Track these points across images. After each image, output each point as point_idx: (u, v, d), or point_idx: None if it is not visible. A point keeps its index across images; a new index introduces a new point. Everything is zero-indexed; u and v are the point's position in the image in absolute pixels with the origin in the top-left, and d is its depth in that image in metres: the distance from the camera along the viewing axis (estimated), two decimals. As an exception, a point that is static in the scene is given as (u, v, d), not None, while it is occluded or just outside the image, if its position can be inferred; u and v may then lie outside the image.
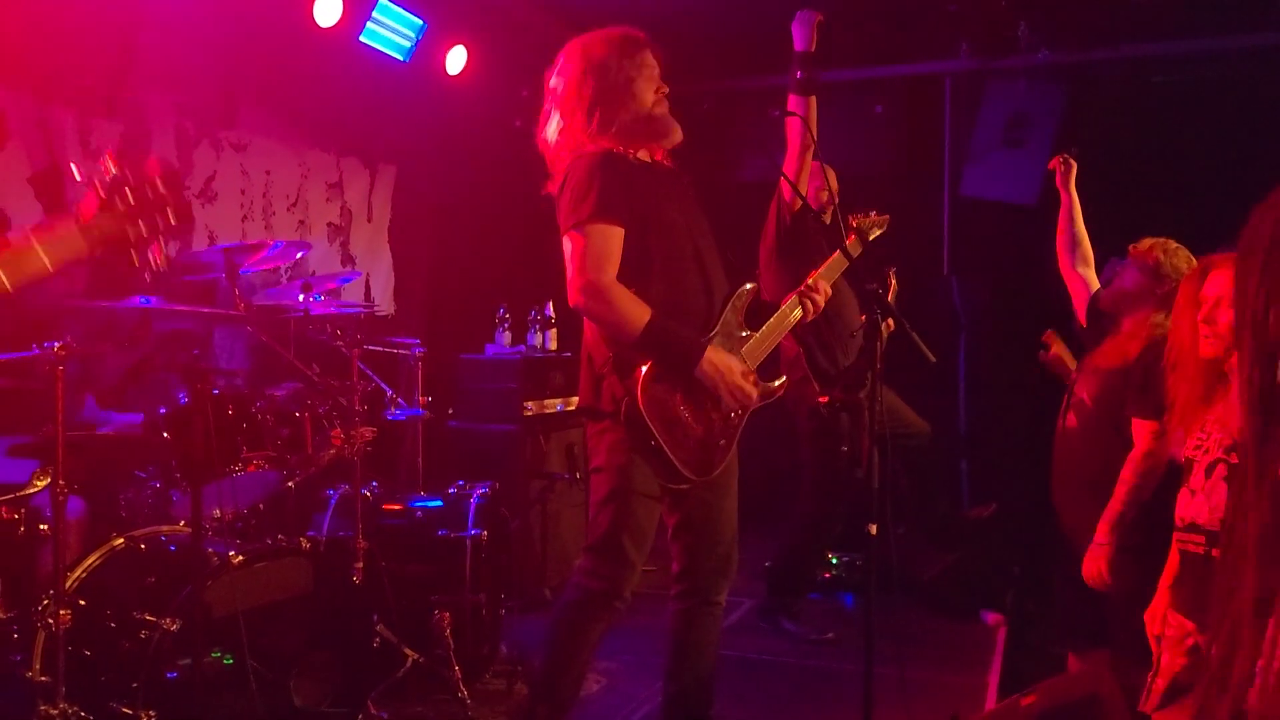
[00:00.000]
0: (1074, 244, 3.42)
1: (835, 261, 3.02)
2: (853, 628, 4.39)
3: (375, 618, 3.22)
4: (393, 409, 4.04)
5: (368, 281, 5.51)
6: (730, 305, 2.73)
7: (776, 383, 2.77)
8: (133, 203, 1.52)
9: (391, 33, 4.83)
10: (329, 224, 5.26)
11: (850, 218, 3.04)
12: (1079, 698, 2.62)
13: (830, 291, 2.87)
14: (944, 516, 4.89)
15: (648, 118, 2.66)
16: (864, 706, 2.60)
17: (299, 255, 3.63)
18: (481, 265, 5.86)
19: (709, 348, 2.59)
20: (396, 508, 3.79)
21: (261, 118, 4.78)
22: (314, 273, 4.88)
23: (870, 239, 3.11)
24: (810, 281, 2.83)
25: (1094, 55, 5.43)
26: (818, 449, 4.29)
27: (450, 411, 4.75)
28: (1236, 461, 2.10)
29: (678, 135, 2.72)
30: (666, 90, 2.69)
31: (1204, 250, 2.47)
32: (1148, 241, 3.06)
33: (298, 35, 4.47)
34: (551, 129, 2.69)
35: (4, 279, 1.42)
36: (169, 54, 4.23)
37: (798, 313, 2.81)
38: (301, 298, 3.45)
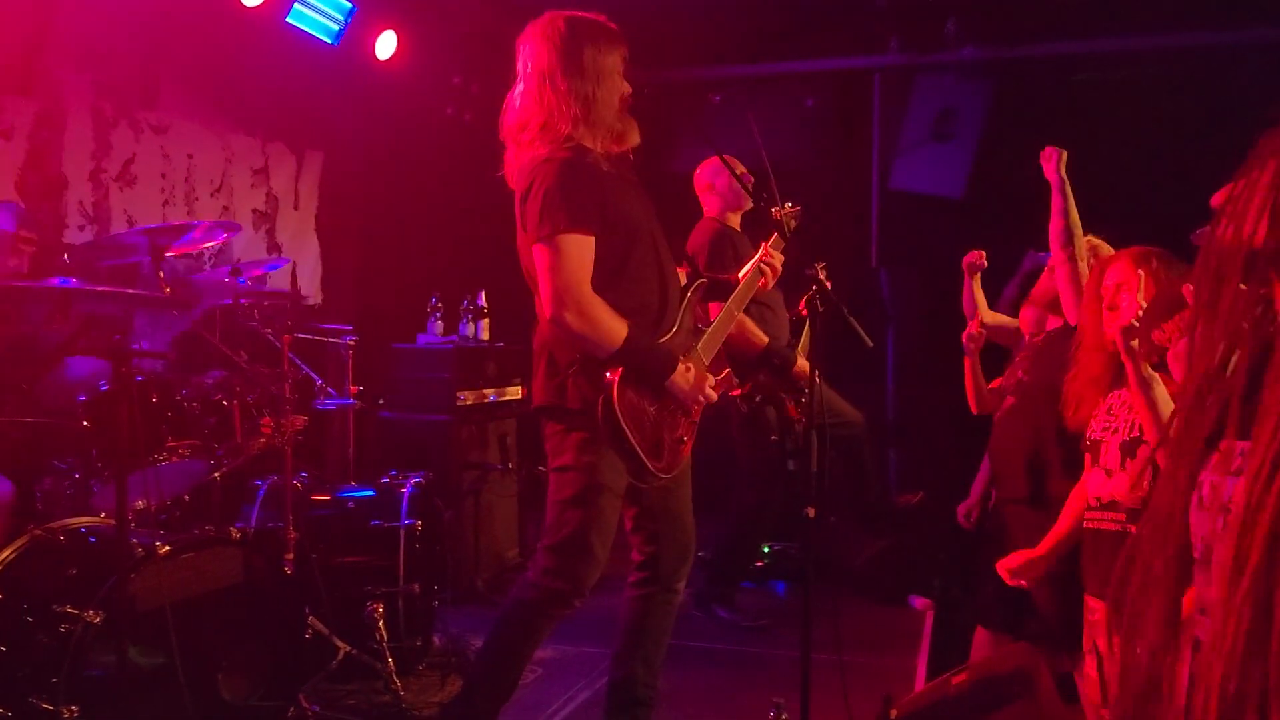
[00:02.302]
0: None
1: (775, 242, 3.06)
2: (784, 614, 4.44)
3: (306, 609, 3.15)
4: (322, 398, 3.97)
5: (294, 270, 5.39)
6: (686, 301, 2.76)
7: (722, 375, 2.81)
8: None
9: (319, 14, 4.73)
10: (254, 210, 5.13)
11: (773, 211, 3.09)
12: (1007, 674, 2.69)
13: (783, 257, 2.95)
14: (874, 503, 4.97)
15: (618, 116, 2.63)
16: (803, 689, 2.63)
17: (225, 238, 3.53)
18: (412, 254, 5.79)
19: (679, 361, 2.63)
20: (326, 498, 3.71)
21: (183, 99, 4.63)
22: (239, 260, 4.76)
23: (790, 230, 3.17)
24: (767, 248, 2.93)
25: (1019, 52, 5.57)
26: (748, 441, 4.33)
27: (381, 401, 4.68)
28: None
29: (637, 136, 2.70)
30: (629, 90, 2.66)
31: (1123, 243, 2.60)
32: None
33: (222, 14, 4.35)
34: (519, 110, 2.61)
35: None
36: (86, 30, 4.08)
37: (760, 279, 2.92)
38: (227, 280, 3.36)
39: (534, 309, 2.73)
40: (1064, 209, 3.00)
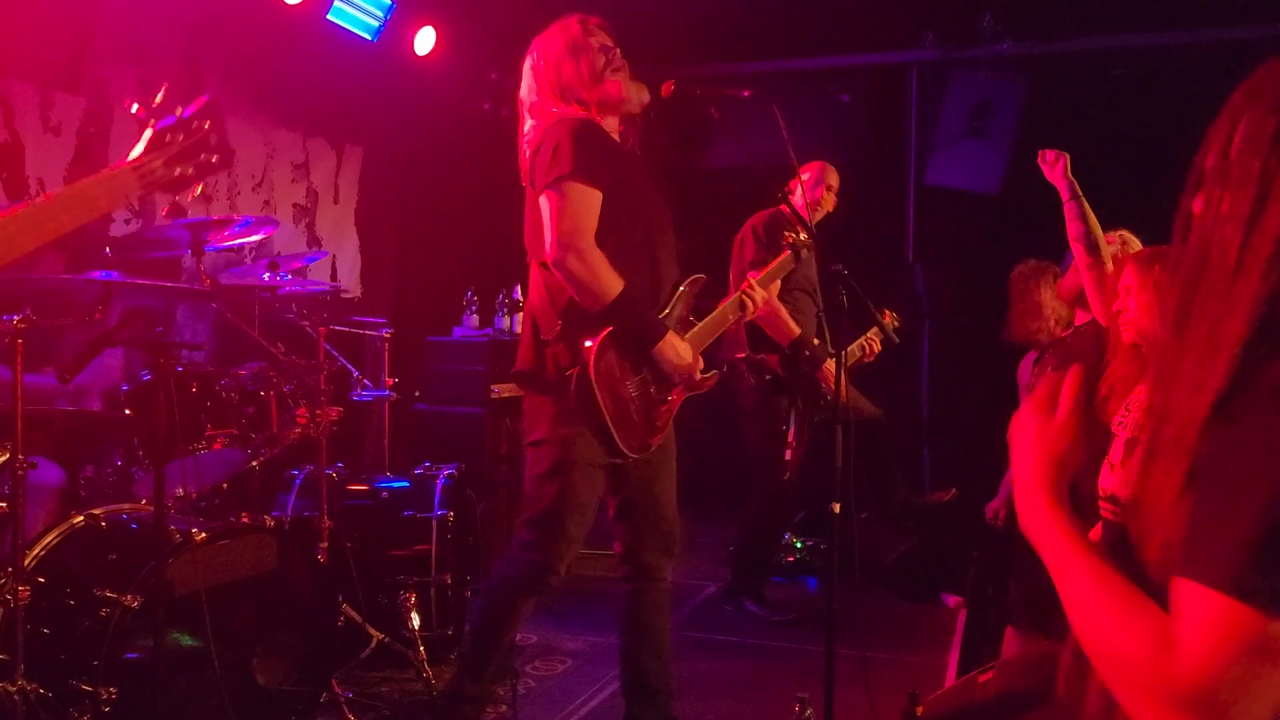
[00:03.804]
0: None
1: (775, 269, 3.09)
2: (815, 610, 4.44)
3: (340, 597, 3.21)
4: (359, 390, 4.03)
5: (334, 263, 5.47)
6: (679, 294, 2.77)
7: (709, 374, 2.82)
8: (182, 140, 1.47)
9: (359, 11, 4.79)
10: (295, 205, 5.21)
11: (785, 234, 3.12)
12: (1038, 679, 2.67)
13: (767, 295, 2.96)
14: (905, 501, 4.95)
15: (613, 94, 2.69)
16: (826, 683, 2.64)
17: (265, 233, 3.59)
18: (449, 248, 5.84)
19: (670, 331, 2.64)
20: (362, 488, 3.77)
21: (226, 95, 4.71)
22: (279, 253, 4.84)
23: (801, 256, 3.18)
24: (752, 282, 2.92)
25: (1056, 46, 5.51)
26: (759, 429, 4.34)
27: (417, 393, 4.74)
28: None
29: (643, 96, 2.75)
30: (622, 64, 2.71)
31: (1161, 240, 2.56)
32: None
33: (263, 11, 4.42)
34: (527, 126, 2.73)
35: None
36: (131, 28, 4.17)
37: (739, 312, 2.90)
38: (267, 276, 3.42)
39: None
40: (1079, 213, 2.87)
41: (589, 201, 2.54)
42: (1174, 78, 5.29)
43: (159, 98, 1.53)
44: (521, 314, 2.76)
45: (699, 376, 2.75)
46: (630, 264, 2.62)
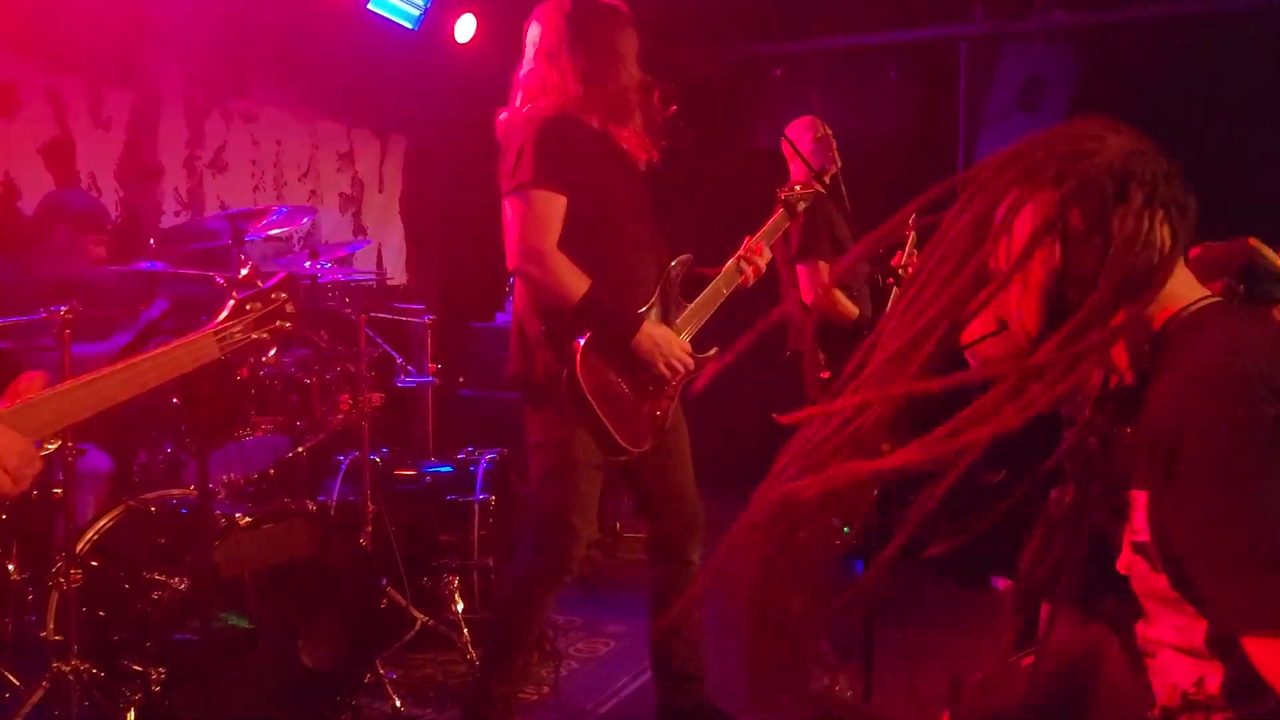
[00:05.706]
0: None
1: (772, 227, 2.98)
2: (860, 592, 4.40)
3: (384, 580, 3.25)
4: (403, 376, 4.07)
5: (379, 251, 5.53)
6: (666, 277, 2.75)
7: (708, 354, 2.76)
8: (260, 308, 1.64)
9: (400, 0, 4.83)
10: (340, 194, 5.29)
11: (778, 190, 3.04)
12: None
13: (770, 254, 2.87)
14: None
15: (617, 98, 2.62)
16: (865, 661, 2.63)
17: (306, 221, 3.66)
18: (492, 235, 5.84)
19: (645, 321, 2.61)
20: (407, 473, 3.82)
21: (271, 87, 4.79)
22: (326, 242, 4.91)
23: (799, 210, 3.09)
24: (750, 244, 2.85)
25: (1111, 16, 5.36)
26: None
27: (461, 379, 4.78)
28: None
29: (635, 122, 2.69)
30: (638, 77, 2.65)
31: (1229, 219, 2.47)
32: None
33: (307, 3, 4.48)
34: (522, 87, 2.68)
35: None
36: (178, 23, 4.25)
37: (734, 282, 2.83)
38: (308, 264, 3.47)
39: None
40: None
41: (550, 207, 2.52)
42: (1240, 47, 5.10)
43: (244, 272, 1.74)
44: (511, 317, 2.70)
45: (691, 359, 2.69)
46: (607, 260, 2.59)
